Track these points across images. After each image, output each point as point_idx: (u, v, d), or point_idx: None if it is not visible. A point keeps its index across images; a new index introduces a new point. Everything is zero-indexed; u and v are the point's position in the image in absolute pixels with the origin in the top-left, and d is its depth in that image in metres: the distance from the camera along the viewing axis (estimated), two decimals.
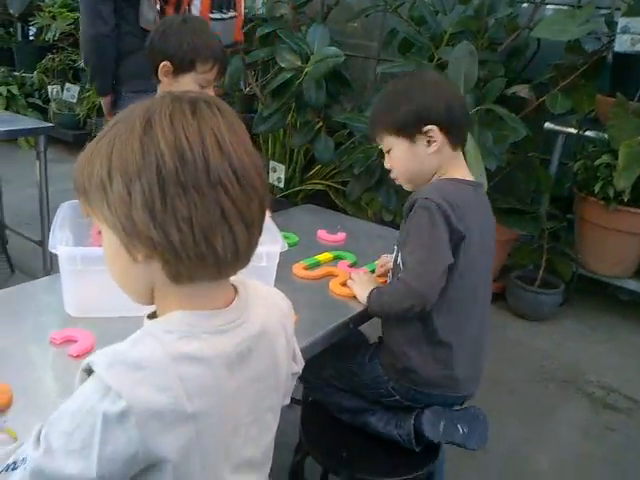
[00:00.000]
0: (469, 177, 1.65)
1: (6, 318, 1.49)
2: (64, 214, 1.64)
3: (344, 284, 1.78)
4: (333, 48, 3.37)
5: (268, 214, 2.01)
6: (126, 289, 0.92)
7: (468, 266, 1.57)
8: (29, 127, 3.54)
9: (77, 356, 1.34)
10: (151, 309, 0.93)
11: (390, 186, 3.35)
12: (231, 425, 0.90)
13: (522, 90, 3.25)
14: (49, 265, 3.30)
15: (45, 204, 3.34)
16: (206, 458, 0.86)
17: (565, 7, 3.49)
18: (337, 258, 2.00)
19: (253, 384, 0.93)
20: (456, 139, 1.60)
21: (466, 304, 1.62)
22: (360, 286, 1.71)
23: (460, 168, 1.64)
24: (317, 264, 1.93)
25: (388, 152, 1.65)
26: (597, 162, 3.24)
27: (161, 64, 1.91)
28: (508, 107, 3.03)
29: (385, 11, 3.80)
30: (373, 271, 1.89)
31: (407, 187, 1.67)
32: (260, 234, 0.88)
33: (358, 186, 3.44)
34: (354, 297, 1.71)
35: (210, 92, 1.94)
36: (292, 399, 2.48)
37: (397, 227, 3.28)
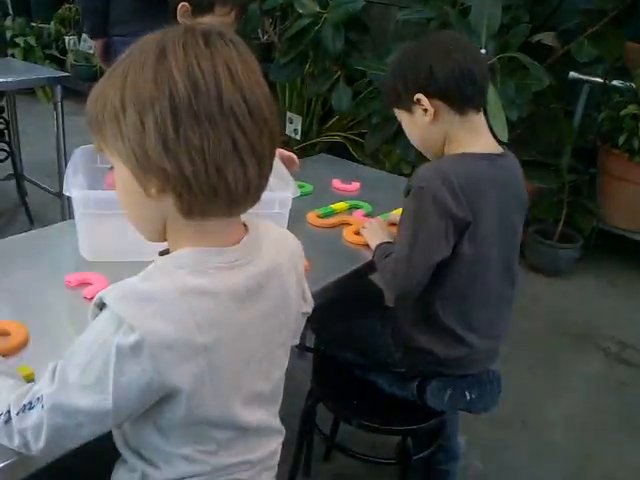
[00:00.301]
0: (489, 147, 1.54)
1: (22, 261, 1.52)
2: (77, 159, 1.64)
3: (357, 232, 1.79)
4: None
5: (296, 159, 2.02)
6: (138, 225, 0.93)
7: (478, 252, 1.49)
8: (45, 76, 3.50)
9: (91, 298, 1.33)
10: (163, 246, 0.94)
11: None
12: (242, 357, 0.92)
13: (547, 37, 3.16)
14: (67, 216, 3.28)
15: (62, 155, 3.33)
16: (217, 388, 0.88)
17: None
18: (352, 207, 2.00)
19: (264, 319, 0.95)
20: (460, 105, 1.48)
21: (476, 293, 1.55)
22: (372, 234, 1.71)
23: (476, 136, 1.52)
24: (332, 213, 1.93)
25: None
26: (622, 113, 3.16)
27: (179, 4, 1.90)
28: (532, 55, 2.94)
29: None
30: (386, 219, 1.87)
31: (427, 156, 1.61)
32: (270, 170, 0.88)
33: (376, 137, 3.39)
34: (367, 245, 1.71)
35: None
36: (305, 347, 2.49)
37: None
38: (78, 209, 1.47)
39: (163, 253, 0.94)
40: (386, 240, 1.65)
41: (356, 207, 2.01)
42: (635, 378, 2.79)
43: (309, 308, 1.15)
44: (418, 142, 1.58)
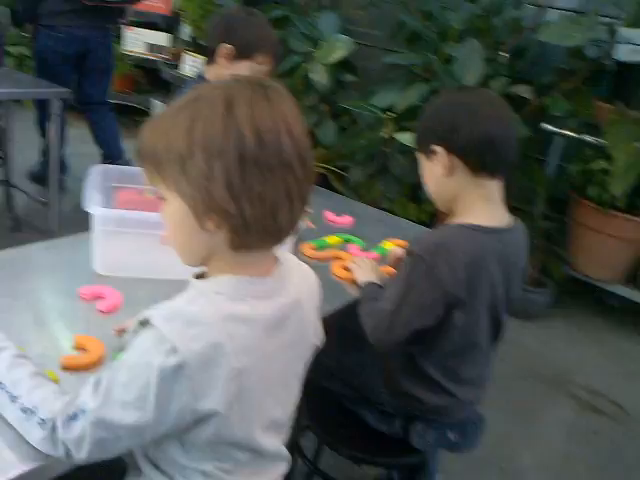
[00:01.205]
0: (498, 219, 1.50)
1: (35, 272, 1.56)
2: (94, 177, 1.67)
3: (346, 268, 1.80)
4: (343, 36, 3.43)
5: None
6: (184, 254, 0.99)
7: (469, 322, 1.49)
8: (44, 90, 3.52)
9: (106, 312, 1.41)
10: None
11: (391, 175, 3.41)
12: (266, 385, 0.98)
13: (524, 90, 3.29)
14: (56, 225, 3.29)
15: (54, 166, 3.35)
16: (244, 412, 0.94)
17: (568, 12, 3.51)
18: (347, 241, 2.03)
19: (286, 349, 1.01)
20: (477, 168, 1.45)
21: (465, 354, 1.56)
22: (361, 270, 1.73)
23: (487, 205, 1.48)
24: (326, 246, 1.96)
25: None
26: (593, 166, 3.28)
27: (222, 46, 1.95)
28: (510, 105, 3.06)
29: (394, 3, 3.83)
30: (383, 253, 1.93)
31: (437, 205, 1.58)
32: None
33: (360, 172, 3.50)
34: (353, 281, 1.73)
35: None
36: None
37: (394, 215, 3.35)
38: (98, 225, 1.53)
39: (199, 276, 0.99)
40: (375, 281, 1.66)
41: (349, 241, 2.03)
42: (606, 427, 2.83)
43: (320, 341, 1.17)
44: (431, 190, 1.56)
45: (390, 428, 1.68)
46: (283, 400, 1.06)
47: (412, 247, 1.48)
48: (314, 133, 3.84)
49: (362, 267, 1.75)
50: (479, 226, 1.46)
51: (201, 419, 0.90)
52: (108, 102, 4.24)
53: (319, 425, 1.76)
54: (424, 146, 1.51)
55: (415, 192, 3.65)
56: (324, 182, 4.08)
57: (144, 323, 0.89)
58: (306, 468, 1.85)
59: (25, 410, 0.96)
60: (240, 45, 1.94)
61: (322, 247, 1.95)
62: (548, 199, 3.54)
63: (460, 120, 1.43)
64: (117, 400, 0.88)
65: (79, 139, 4.47)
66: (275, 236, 0.93)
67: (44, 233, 3.27)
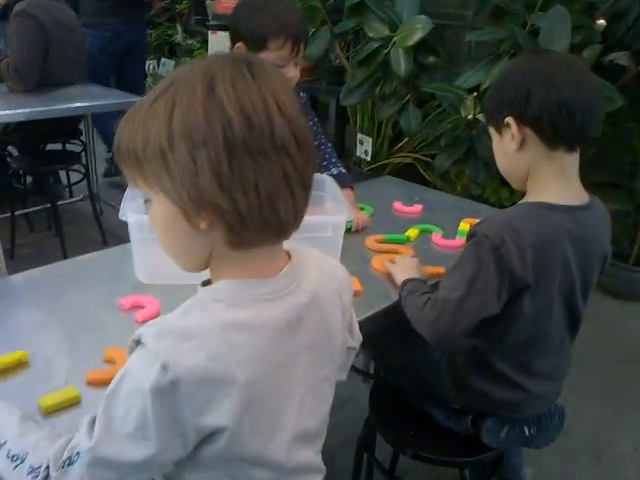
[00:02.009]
0: (573, 196, 1.40)
1: (81, 283, 1.57)
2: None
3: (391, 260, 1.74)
4: (422, 17, 3.32)
5: (349, 191, 1.98)
6: (180, 258, 0.91)
7: (540, 311, 1.40)
8: (123, 101, 3.62)
9: (143, 321, 1.39)
10: (204, 276, 0.93)
11: (479, 158, 3.28)
12: (282, 393, 0.90)
13: (621, 57, 3.08)
14: None
15: None
16: (257, 425, 0.86)
17: None
18: (426, 231, 1.99)
19: (305, 353, 0.92)
20: (552, 139, 1.35)
21: (537, 346, 1.47)
22: (401, 269, 1.64)
23: (561, 180, 1.39)
24: (397, 240, 1.91)
25: None
26: None
27: (235, 46, 1.85)
28: (605, 75, 2.89)
29: None
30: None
31: (510, 182, 1.50)
32: (310, 194, 0.87)
33: (445, 158, 3.38)
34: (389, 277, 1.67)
35: (291, 72, 1.85)
36: (364, 373, 2.50)
37: (485, 201, 3.23)
38: (133, 233, 1.51)
39: (206, 283, 0.92)
40: (416, 276, 1.58)
41: (429, 231, 1.99)
42: None
43: (356, 343, 1.12)
44: (502, 167, 1.48)
45: (459, 425, 1.61)
46: (311, 408, 0.96)
47: (476, 228, 1.38)
48: (398, 121, 3.78)
49: (402, 266, 1.65)
50: (550, 204, 1.37)
51: (208, 436, 0.83)
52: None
53: (385, 426, 1.71)
54: (494, 118, 1.42)
55: None
56: (414, 173, 4.00)
57: (137, 341, 0.82)
58: (382, 474, 1.80)
59: (13, 457, 0.88)
60: (248, 39, 1.82)
61: (392, 241, 1.90)
62: None
63: (532, 87, 1.33)
64: (116, 435, 0.81)
65: None
66: (278, 230, 0.84)
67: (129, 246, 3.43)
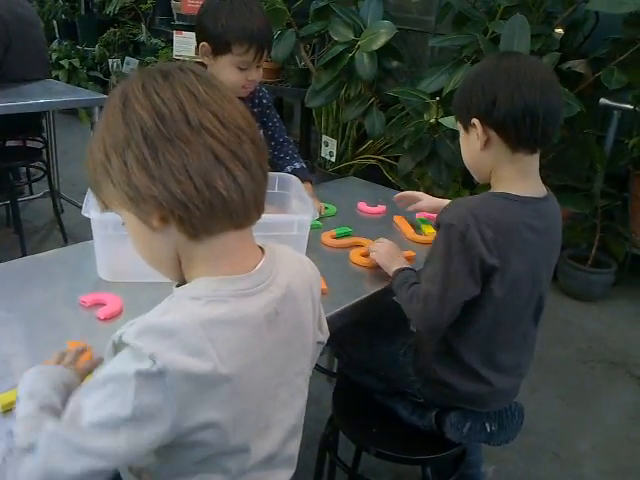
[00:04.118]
0: (533, 189, 1.46)
1: (41, 280, 1.56)
2: None
3: (365, 254, 1.79)
4: (386, 22, 3.37)
5: (308, 185, 2.01)
6: (154, 263, 0.95)
7: (507, 295, 1.45)
8: (86, 98, 3.68)
9: (104, 319, 1.40)
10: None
11: (441, 161, 3.34)
12: (263, 388, 0.93)
13: (578, 65, 3.18)
14: None
15: None
16: (239, 421, 0.88)
17: None
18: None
19: (280, 347, 0.95)
20: (514, 143, 1.40)
21: (501, 334, 1.52)
22: (388, 258, 1.67)
23: (523, 178, 1.44)
24: (347, 234, 1.95)
25: None
26: None
27: (200, 44, 1.87)
28: (563, 82, 2.96)
29: None
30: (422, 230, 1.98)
31: (475, 177, 1.55)
32: (266, 179, 0.90)
33: (408, 161, 3.43)
34: (374, 267, 1.71)
35: (253, 74, 1.88)
36: (328, 371, 2.51)
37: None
38: (96, 230, 1.51)
39: (180, 284, 0.94)
40: (406, 266, 1.62)
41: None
42: None
43: (324, 338, 1.14)
44: (467, 161, 1.53)
45: (423, 420, 1.64)
46: (285, 401, 0.99)
47: (440, 218, 1.44)
48: (362, 124, 3.82)
49: (387, 253, 1.68)
50: (511, 194, 1.43)
51: (193, 431, 0.84)
52: None
53: (348, 423, 1.72)
54: (461, 116, 1.47)
55: (467, 177, 3.58)
56: (378, 174, 4.05)
57: (117, 345, 0.83)
58: (345, 473, 1.81)
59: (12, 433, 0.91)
60: (213, 41, 1.84)
61: (343, 235, 1.94)
62: (607, 176, 3.43)
63: (498, 92, 1.37)
64: (82, 421, 0.81)
65: None
66: (226, 211, 0.85)
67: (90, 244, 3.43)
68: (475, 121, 1.41)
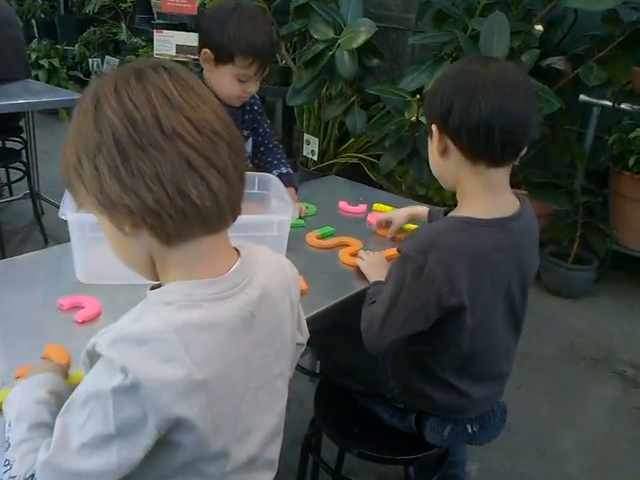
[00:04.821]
0: (503, 208, 1.39)
1: (19, 283, 1.55)
2: None
3: (354, 254, 1.78)
4: (366, 19, 3.36)
5: (292, 191, 1.99)
6: (130, 265, 0.94)
7: (480, 321, 1.40)
8: (66, 98, 3.62)
9: (82, 322, 1.38)
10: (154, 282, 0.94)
11: (422, 159, 3.34)
12: (240, 391, 0.91)
13: (557, 62, 3.19)
14: None
15: None
16: (218, 425, 0.87)
17: None
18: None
19: (258, 349, 0.94)
20: (471, 155, 1.33)
21: (479, 354, 1.47)
22: (370, 268, 1.66)
23: (489, 194, 1.37)
24: (330, 234, 1.94)
25: None
26: (632, 135, 3.18)
27: (202, 50, 1.87)
28: (543, 79, 2.98)
29: None
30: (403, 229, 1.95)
31: (441, 184, 1.47)
32: (243, 181, 0.88)
33: (390, 159, 3.43)
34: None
35: (251, 87, 1.90)
36: (312, 372, 2.50)
37: (429, 201, 3.29)
38: (73, 232, 1.50)
39: (154, 287, 0.92)
40: (382, 280, 1.56)
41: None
42: None
43: (304, 339, 1.13)
44: (432, 167, 1.47)
45: (403, 423, 1.62)
46: (263, 403, 0.97)
47: (402, 245, 1.40)
48: (344, 122, 3.81)
49: (369, 264, 1.67)
50: (477, 219, 1.35)
51: (171, 441, 0.84)
52: None
53: (330, 424, 1.71)
54: (426, 120, 1.42)
55: None
56: (360, 173, 4.05)
57: (91, 354, 0.83)
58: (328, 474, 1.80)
59: (5, 462, 0.91)
60: (217, 49, 1.84)
61: (328, 235, 1.93)
62: (588, 172, 3.45)
63: (455, 100, 1.30)
64: (72, 444, 0.81)
65: None
66: (199, 218, 0.83)
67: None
68: (434, 127, 1.36)
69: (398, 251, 1.41)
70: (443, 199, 3.74)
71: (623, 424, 2.63)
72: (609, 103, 3.28)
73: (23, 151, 3.90)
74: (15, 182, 4.07)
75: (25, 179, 3.91)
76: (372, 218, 2.02)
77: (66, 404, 0.84)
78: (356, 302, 1.61)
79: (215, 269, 0.90)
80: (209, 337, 0.85)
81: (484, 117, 1.28)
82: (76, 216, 1.46)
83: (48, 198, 4.09)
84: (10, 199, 4.26)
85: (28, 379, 1.04)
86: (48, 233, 3.84)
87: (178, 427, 0.82)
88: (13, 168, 4.02)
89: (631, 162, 3.17)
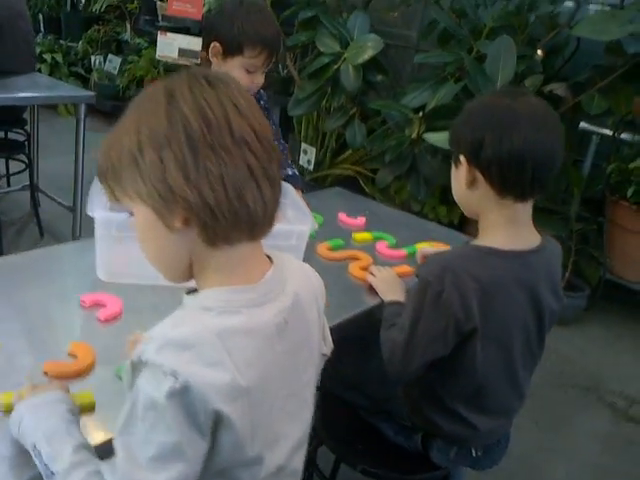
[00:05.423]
0: (525, 241, 1.40)
1: (36, 279, 1.53)
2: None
3: (364, 268, 1.76)
4: (373, 35, 3.41)
5: (299, 193, 2.01)
6: (163, 265, 0.94)
7: (493, 352, 1.40)
8: (71, 94, 3.63)
9: (105, 320, 1.37)
10: (190, 285, 0.94)
11: (420, 176, 3.36)
12: (274, 397, 0.92)
13: (559, 88, 3.22)
14: (78, 231, 3.35)
15: (80, 171, 3.38)
16: (255, 430, 0.88)
17: (607, 7, 3.43)
18: (376, 238, 2.00)
19: (289, 356, 0.94)
20: (500, 189, 1.33)
21: (492, 388, 1.46)
22: (385, 286, 1.64)
23: (512, 228, 1.37)
24: (342, 246, 1.93)
25: None
26: (631, 165, 3.21)
27: (211, 44, 1.91)
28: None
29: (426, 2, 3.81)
30: (412, 253, 1.89)
31: (464, 212, 1.47)
32: (280, 192, 0.91)
33: (388, 174, 3.46)
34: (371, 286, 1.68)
35: (258, 78, 1.94)
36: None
37: (424, 217, 3.30)
38: (99, 230, 1.49)
39: (191, 292, 0.93)
40: (398, 299, 1.56)
41: (380, 238, 2.00)
42: None
43: (328, 350, 1.12)
44: (455, 195, 1.46)
45: (409, 442, 1.61)
46: (295, 412, 0.98)
47: (420, 271, 1.41)
48: (342, 134, 3.83)
49: (385, 281, 1.66)
50: (497, 249, 1.36)
51: (214, 445, 0.85)
52: None
53: (334, 438, 1.69)
54: (452, 149, 1.41)
55: (445, 193, 3.60)
56: (354, 185, 4.06)
57: (137, 364, 0.83)
58: None
59: None
60: (226, 41, 1.88)
61: (338, 247, 1.91)
62: (583, 200, 3.47)
63: (486, 134, 1.30)
64: (140, 461, 0.82)
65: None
66: (249, 223, 0.86)
67: (67, 239, 3.31)
68: (462, 159, 1.36)
69: (416, 276, 1.42)
70: (438, 216, 3.77)
71: (614, 457, 2.60)
72: (609, 132, 3.31)
73: (26, 143, 3.87)
74: (16, 174, 4.04)
75: (25, 171, 3.88)
76: (381, 247, 1.96)
77: (121, 424, 0.84)
78: (368, 317, 1.61)
79: (252, 275, 0.91)
80: (249, 343, 0.86)
81: (516, 151, 1.28)
82: (104, 214, 1.46)
83: (46, 191, 4.07)
84: (7, 190, 4.23)
85: (39, 398, 1.01)
86: (44, 225, 3.77)
87: (221, 425, 0.83)
88: (16, 160, 4.00)
89: (630, 192, 3.19)
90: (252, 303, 0.88)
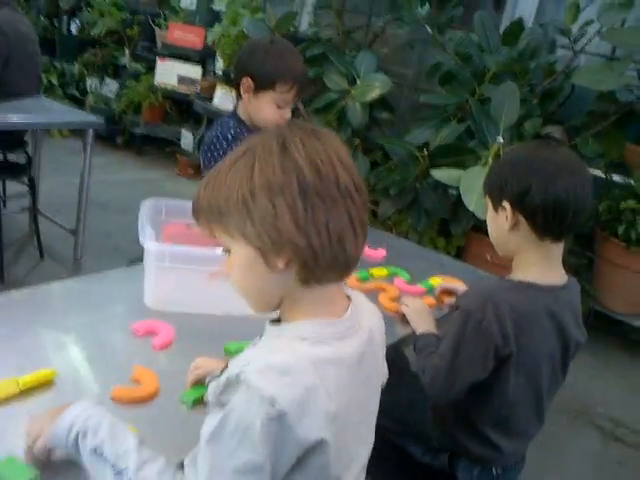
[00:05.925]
0: (555, 278, 1.53)
1: (80, 306, 1.58)
2: (146, 211, 1.70)
3: (393, 299, 1.85)
4: (381, 75, 3.56)
5: None
6: (255, 298, 1.01)
7: (524, 380, 1.52)
8: (81, 120, 3.66)
9: (160, 348, 1.43)
10: (271, 315, 1.02)
11: (422, 208, 3.52)
12: (351, 424, 0.98)
13: (556, 131, 3.41)
14: (79, 253, 3.36)
15: (84, 195, 3.38)
16: (338, 453, 0.93)
17: (598, 57, 3.66)
18: (392, 274, 2.05)
19: (364, 386, 1.02)
20: (542, 232, 1.47)
21: (519, 411, 1.58)
22: (417, 316, 1.74)
23: (547, 265, 1.52)
24: (369, 278, 1.99)
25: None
26: (622, 206, 3.38)
27: (243, 79, 2.00)
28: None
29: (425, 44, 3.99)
30: (430, 289, 1.96)
31: (498, 252, 1.60)
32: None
33: (390, 206, 3.61)
34: (403, 316, 1.77)
35: (287, 113, 2.04)
36: None
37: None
38: (151, 260, 1.55)
39: (274, 321, 1.00)
40: (431, 330, 1.67)
41: (395, 274, 2.05)
42: (631, 458, 2.87)
43: (384, 379, 1.19)
44: (492, 237, 1.59)
45: (436, 461, 1.71)
46: (364, 436, 1.06)
47: (460, 302, 1.54)
48: None
49: (416, 312, 1.75)
50: (533, 283, 1.49)
51: (299, 464, 0.90)
52: None
53: None
54: (493, 196, 1.54)
55: (444, 226, 3.77)
56: None
57: (232, 381, 0.88)
58: None
59: None
60: (258, 77, 1.97)
61: (366, 279, 1.97)
62: (575, 235, 3.63)
63: (533, 183, 1.43)
64: (225, 469, 0.87)
65: (102, 168, 4.61)
66: (343, 266, 0.94)
67: (68, 261, 3.36)
68: (506, 204, 1.47)
69: (455, 307, 1.55)
70: (436, 248, 3.92)
71: (604, 477, 2.75)
72: (601, 174, 3.49)
73: (27, 165, 3.82)
74: (17, 197, 4.03)
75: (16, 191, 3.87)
76: (399, 282, 2.02)
77: (210, 433, 0.89)
78: (400, 345, 1.72)
79: (336, 310, 0.99)
80: (336, 372, 0.93)
81: (562, 199, 1.42)
82: (157, 245, 1.54)
83: (45, 213, 4.03)
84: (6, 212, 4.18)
85: (76, 408, 1.04)
86: (43, 248, 3.74)
87: (314, 450, 0.89)
88: (19, 182, 4.00)
89: (620, 230, 3.37)
90: (340, 335, 0.96)
